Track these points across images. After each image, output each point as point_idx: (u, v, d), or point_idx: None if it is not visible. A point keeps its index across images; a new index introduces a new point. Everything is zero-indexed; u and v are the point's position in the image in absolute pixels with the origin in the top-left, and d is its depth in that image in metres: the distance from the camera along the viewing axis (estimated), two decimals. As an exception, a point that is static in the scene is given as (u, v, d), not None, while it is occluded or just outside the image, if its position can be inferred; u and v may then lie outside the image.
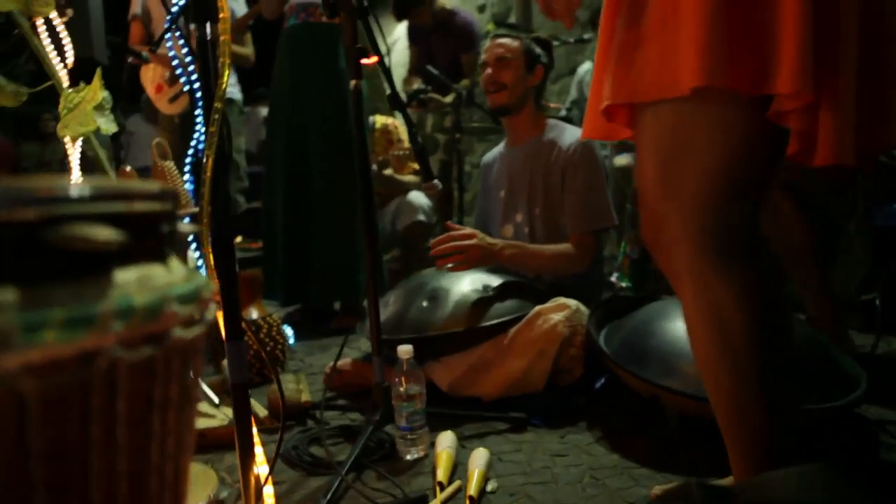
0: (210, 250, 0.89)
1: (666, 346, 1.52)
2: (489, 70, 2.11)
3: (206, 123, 0.89)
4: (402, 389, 1.44)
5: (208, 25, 0.91)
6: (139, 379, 0.39)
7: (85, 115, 1.61)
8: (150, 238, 0.44)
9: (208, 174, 0.87)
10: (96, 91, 1.59)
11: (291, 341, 2.46)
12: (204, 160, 0.89)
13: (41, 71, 1.90)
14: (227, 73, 0.90)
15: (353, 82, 1.49)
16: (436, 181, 1.62)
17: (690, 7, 0.83)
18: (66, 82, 1.80)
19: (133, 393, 0.39)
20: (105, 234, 0.37)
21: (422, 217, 3.22)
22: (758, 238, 0.91)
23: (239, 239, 5.40)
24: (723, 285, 0.89)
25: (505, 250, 1.89)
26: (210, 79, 0.90)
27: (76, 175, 1.90)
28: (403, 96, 5.11)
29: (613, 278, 2.77)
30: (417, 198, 3.19)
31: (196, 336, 0.45)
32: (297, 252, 2.68)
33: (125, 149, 4.91)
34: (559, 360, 1.70)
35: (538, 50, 2.15)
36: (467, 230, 1.88)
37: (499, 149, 2.30)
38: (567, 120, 3.42)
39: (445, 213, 4.14)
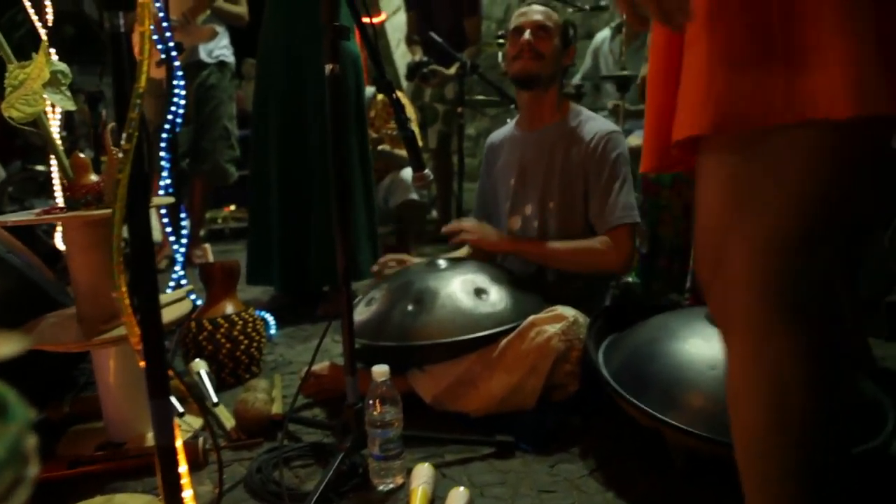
0: (125, 293, 0.73)
1: (671, 373, 1.37)
2: (526, 36, 1.88)
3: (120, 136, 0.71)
4: (375, 414, 1.30)
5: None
6: None
7: (32, 94, 1.43)
8: None
9: (120, 204, 0.70)
10: (42, 68, 1.40)
11: (273, 331, 2.34)
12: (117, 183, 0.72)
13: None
14: (146, 57, 0.72)
15: (328, 67, 1.31)
16: (426, 172, 1.49)
17: (828, 18, 0.68)
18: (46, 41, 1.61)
19: None
20: None
21: (414, 195, 3.06)
22: (835, 290, 0.75)
23: (232, 208, 5.21)
24: (787, 341, 0.73)
25: (510, 242, 1.79)
26: (123, 73, 0.71)
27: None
28: (402, 66, 4.86)
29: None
30: (411, 175, 3.06)
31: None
32: (295, 233, 2.46)
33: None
34: (553, 376, 1.56)
35: (571, 31, 1.96)
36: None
37: (508, 130, 2.09)
38: (578, 96, 3.21)
39: (444, 185, 3.95)
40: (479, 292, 1.68)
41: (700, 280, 0.84)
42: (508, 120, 2.31)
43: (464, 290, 1.68)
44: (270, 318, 2.35)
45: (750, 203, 0.74)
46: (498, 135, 2.13)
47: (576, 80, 3.46)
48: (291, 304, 2.66)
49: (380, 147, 3.09)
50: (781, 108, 0.70)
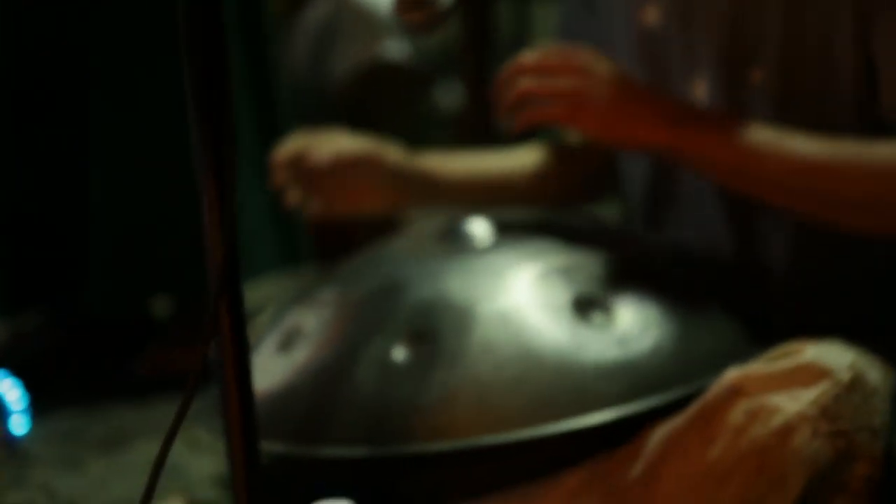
0: None
1: None
2: None
3: None
4: None
5: None
6: None
7: None
8: None
9: None
10: None
11: (18, 427, 1.26)
12: None
13: None
14: None
15: None
16: None
17: None
18: None
19: None
20: None
21: (392, 49, 1.62)
22: None
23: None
24: None
25: (685, 117, 0.84)
26: None
27: None
28: None
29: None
30: None
31: None
32: (44, 175, 1.42)
33: None
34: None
35: None
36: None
37: None
38: None
39: (472, 21, 2.21)
40: (583, 306, 0.80)
41: None
42: None
43: (542, 301, 0.81)
44: (13, 390, 1.28)
45: None
46: None
47: None
48: (66, 350, 1.49)
49: None
50: None
